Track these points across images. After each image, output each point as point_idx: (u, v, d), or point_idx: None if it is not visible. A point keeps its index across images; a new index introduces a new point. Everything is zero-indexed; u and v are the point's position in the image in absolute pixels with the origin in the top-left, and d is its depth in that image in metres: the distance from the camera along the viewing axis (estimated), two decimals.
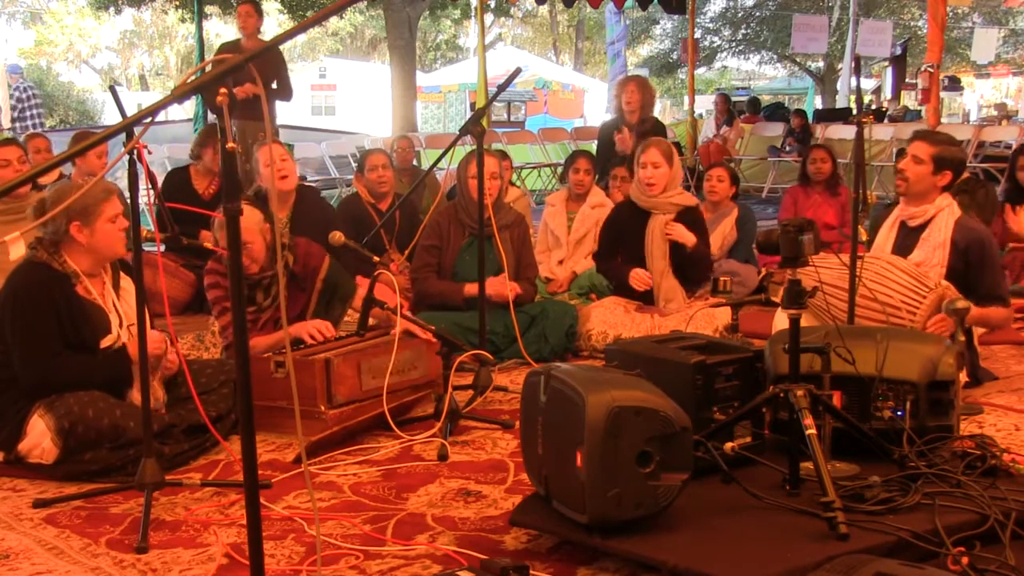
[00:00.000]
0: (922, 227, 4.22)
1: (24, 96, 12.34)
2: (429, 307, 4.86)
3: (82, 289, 3.43)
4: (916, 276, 3.95)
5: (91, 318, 3.42)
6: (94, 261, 3.46)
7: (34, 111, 12.46)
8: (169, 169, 7.57)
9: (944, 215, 4.18)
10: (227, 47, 8.38)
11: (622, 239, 5.22)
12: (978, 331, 4.35)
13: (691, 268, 5.13)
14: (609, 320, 4.95)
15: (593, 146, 9.02)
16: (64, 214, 3.34)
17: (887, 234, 4.34)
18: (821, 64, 29.04)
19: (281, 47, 8.52)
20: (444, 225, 4.93)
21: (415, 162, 7.92)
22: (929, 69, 11.22)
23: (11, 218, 4.95)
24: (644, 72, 26.35)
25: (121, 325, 3.48)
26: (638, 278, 5.08)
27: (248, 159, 7.74)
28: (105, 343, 3.44)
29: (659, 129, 7.27)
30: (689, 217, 5.13)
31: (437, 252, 4.91)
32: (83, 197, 3.36)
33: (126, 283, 3.60)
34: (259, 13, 7.93)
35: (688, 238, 5.04)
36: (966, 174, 7.00)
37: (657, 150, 5.08)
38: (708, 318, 4.92)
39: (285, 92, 7.85)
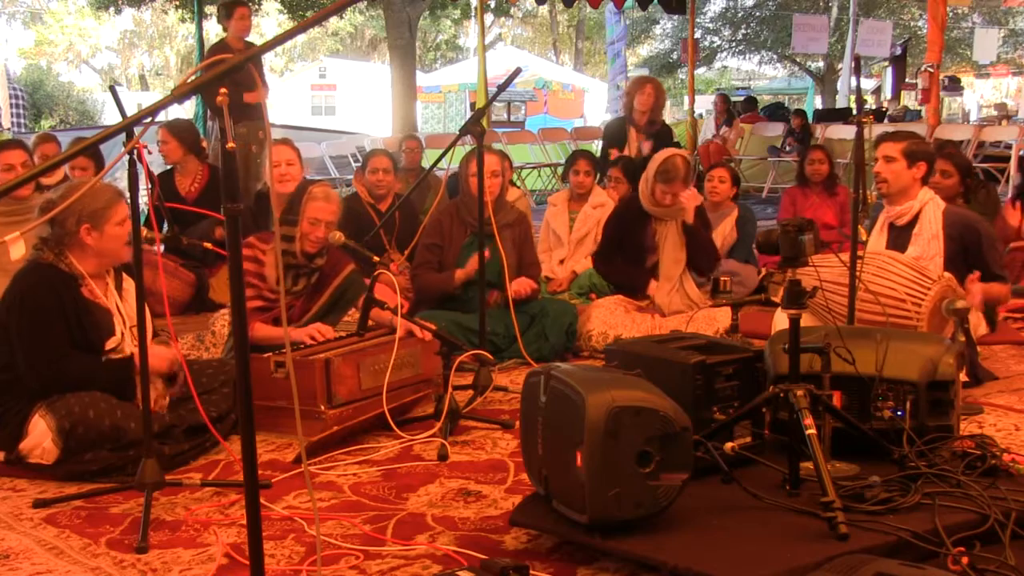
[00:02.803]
0: (911, 224, 4.28)
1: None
2: (429, 306, 4.86)
3: (87, 290, 3.43)
4: (918, 269, 3.97)
5: (96, 319, 3.42)
6: (100, 264, 3.46)
7: (17, 110, 12.46)
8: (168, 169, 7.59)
9: (930, 208, 4.25)
10: (216, 48, 8.35)
11: (625, 239, 5.21)
12: (978, 331, 4.36)
13: (700, 252, 5.14)
14: (609, 320, 4.95)
15: (593, 145, 9.02)
16: (75, 216, 3.34)
17: (878, 237, 4.37)
18: (821, 64, 29.04)
19: (280, 47, 8.52)
20: (446, 224, 4.93)
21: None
22: (929, 69, 11.24)
23: (13, 219, 4.94)
24: (644, 72, 26.36)
25: (125, 326, 3.48)
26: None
27: (247, 159, 7.78)
28: (109, 345, 3.44)
29: (667, 131, 7.26)
30: (697, 212, 5.17)
31: (438, 251, 4.91)
32: (94, 200, 3.36)
33: (128, 284, 3.60)
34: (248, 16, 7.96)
35: (692, 204, 5.07)
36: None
37: (680, 183, 5.05)
38: (708, 318, 4.92)
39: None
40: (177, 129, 6.43)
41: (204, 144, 6.70)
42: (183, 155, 6.34)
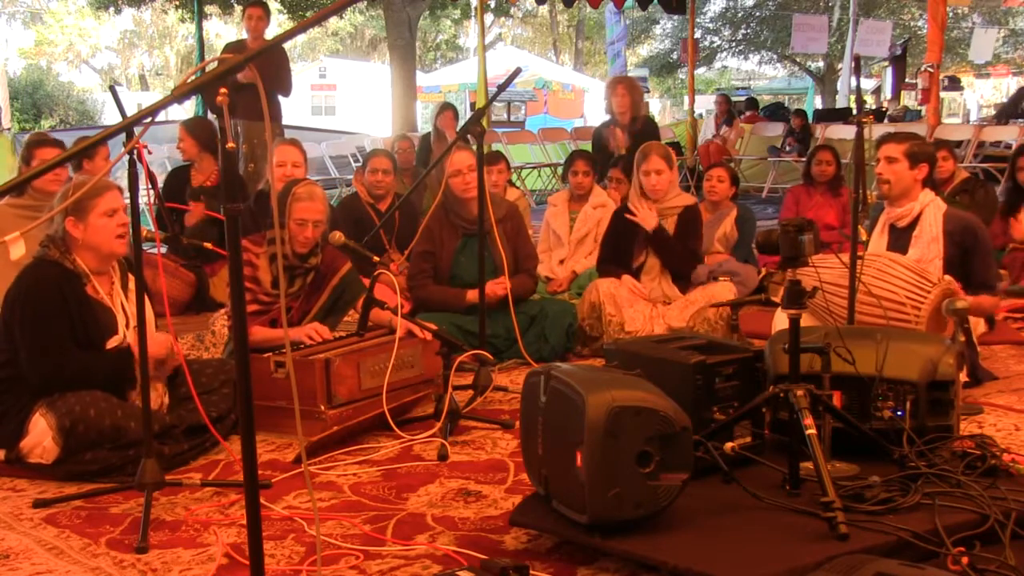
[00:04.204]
0: (911, 226, 4.27)
1: None
2: (429, 308, 4.85)
3: (91, 289, 3.43)
4: (919, 272, 3.97)
5: (99, 318, 3.42)
6: (97, 258, 3.46)
7: None
8: (169, 169, 7.62)
9: (931, 210, 4.25)
10: (232, 47, 8.41)
11: (622, 246, 5.15)
12: (978, 331, 4.36)
13: (669, 259, 5.06)
14: (613, 294, 4.95)
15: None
16: (61, 211, 3.35)
17: (878, 238, 4.37)
18: (821, 64, 29.05)
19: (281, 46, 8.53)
20: (436, 229, 4.90)
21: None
22: (929, 69, 11.23)
23: (39, 215, 4.93)
24: (644, 72, 26.36)
25: (128, 325, 3.48)
26: (629, 283, 5.02)
27: (252, 159, 7.80)
28: (111, 344, 3.44)
29: (651, 127, 7.26)
30: (687, 216, 5.11)
31: (432, 258, 4.89)
32: (76, 192, 3.36)
33: (134, 283, 3.59)
34: (268, 16, 7.97)
35: (648, 221, 4.97)
36: (965, 174, 7.03)
37: (658, 156, 5.02)
38: (707, 297, 4.93)
39: (284, 87, 7.89)
40: (192, 127, 6.50)
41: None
42: (199, 152, 6.40)
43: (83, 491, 3.19)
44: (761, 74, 37.97)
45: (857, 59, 4.17)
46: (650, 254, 5.07)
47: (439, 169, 5.97)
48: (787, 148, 13.58)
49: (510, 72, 4.57)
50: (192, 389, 3.32)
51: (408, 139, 8.30)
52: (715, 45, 30.04)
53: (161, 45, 37.27)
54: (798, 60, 29.43)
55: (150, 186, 5.42)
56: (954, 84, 23.47)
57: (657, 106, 35.55)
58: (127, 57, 38.66)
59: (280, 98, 7.92)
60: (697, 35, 19.02)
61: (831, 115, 16.32)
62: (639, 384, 2.60)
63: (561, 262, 6.19)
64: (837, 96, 24.64)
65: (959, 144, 10.99)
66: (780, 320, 4.01)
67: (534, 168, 13.49)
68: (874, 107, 19.24)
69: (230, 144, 1.97)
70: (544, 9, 32.33)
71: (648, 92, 24.87)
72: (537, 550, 2.70)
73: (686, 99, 17.00)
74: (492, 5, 25.62)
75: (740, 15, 29.99)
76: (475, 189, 4.68)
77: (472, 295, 4.65)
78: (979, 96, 29.28)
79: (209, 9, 18.28)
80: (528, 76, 25.20)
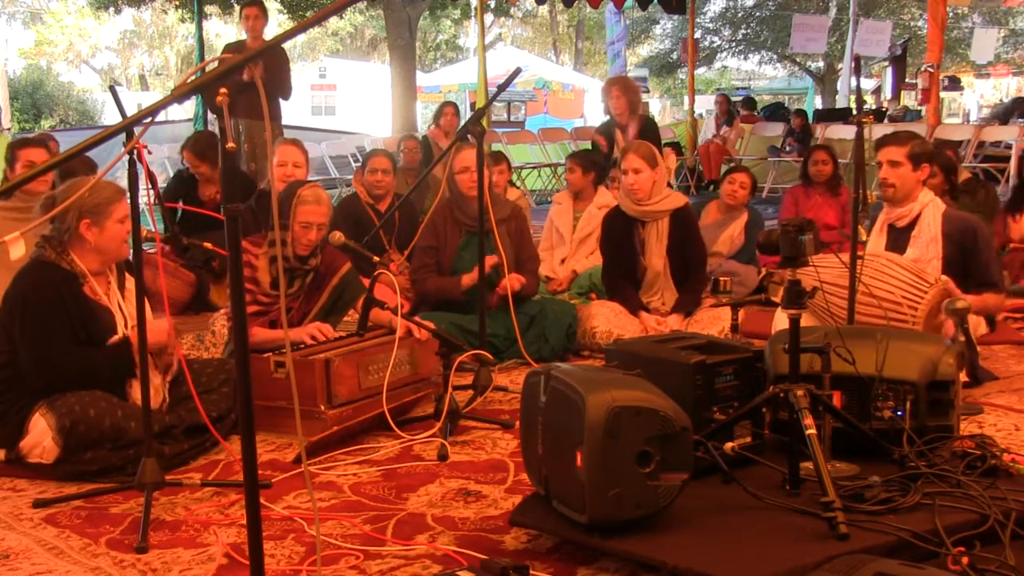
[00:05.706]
0: (910, 226, 4.27)
1: None
2: (430, 308, 4.85)
3: (89, 289, 3.43)
4: (916, 272, 3.97)
5: (98, 318, 3.42)
6: (101, 261, 3.46)
7: None
8: (169, 169, 7.59)
9: (930, 210, 4.25)
10: (232, 48, 8.41)
11: (617, 251, 5.13)
12: (978, 331, 4.36)
13: (687, 271, 5.02)
14: (614, 320, 4.94)
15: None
16: (75, 211, 3.34)
17: (877, 238, 4.37)
18: (821, 64, 29.06)
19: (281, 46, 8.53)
20: (440, 225, 4.91)
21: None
22: (929, 69, 11.24)
23: (26, 216, 4.93)
24: (644, 72, 26.35)
25: (127, 325, 3.48)
26: (647, 323, 4.94)
27: (254, 158, 7.78)
28: (110, 343, 3.44)
29: (650, 127, 7.26)
30: (680, 218, 5.06)
31: (435, 252, 4.89)
32: (94, 196, 3.36)
33: (131, 283, 3.59)
34: (265, 15, 7.95)
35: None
36: (967, 174, 7.04)
37: (636, 155, 4.98)
38: (713, 319, 4.90)
39: (284, 90, 7.86)
40: (202, 150, 6.30)
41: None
42: (211, 171, 6.29)
43: (83, 491, 3.19)
44: (761, 74, 37.98)
45: (857, 59, 4.17)
46: (650, 268, 5.05)
47: (439, 169, 5.97)
48: (787, 148, 13.58)
49: (510, 72, 4.57)
50: (192, 389, 3.32)
51: (415, 139, 8.34)
52: (715, 45, 30.05)
53: (161, 45, 37.27)
54: (798, 60, 29.45)
55: (150, 186, 5.42)
56: (954, 84, 23.47)
57: (657, 106, 35.54)
58: (127, 57, 38.66)
59: (280, 100, 7.92)
60: (697, 35, 19.05)
61: (831, 115, 16.32)
62: (639, 384, 2.60)
63: (562, 261, 6.20)
64: (837, 96, 24.64)
65: (959, 144, 10.98)
66: (780, 320, 4.01)
67: (534, 168, 13.50)
68: (874, 107, 19.23)
69: (230, 144, 1.97)
70: (544, 9, 32.33)
71: (648, 92, 24.89)
72: (537, 550, 2.70)
73: (686, 99, 17.01)
74: (492, 5, 25.63)
75: (740, 15, 30.01)
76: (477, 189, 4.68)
77: (467, 279, 4.69)
78: (979, 96, 29.24)
79: (209, 9, 18.29)
80: (528, 76, 25.20)
